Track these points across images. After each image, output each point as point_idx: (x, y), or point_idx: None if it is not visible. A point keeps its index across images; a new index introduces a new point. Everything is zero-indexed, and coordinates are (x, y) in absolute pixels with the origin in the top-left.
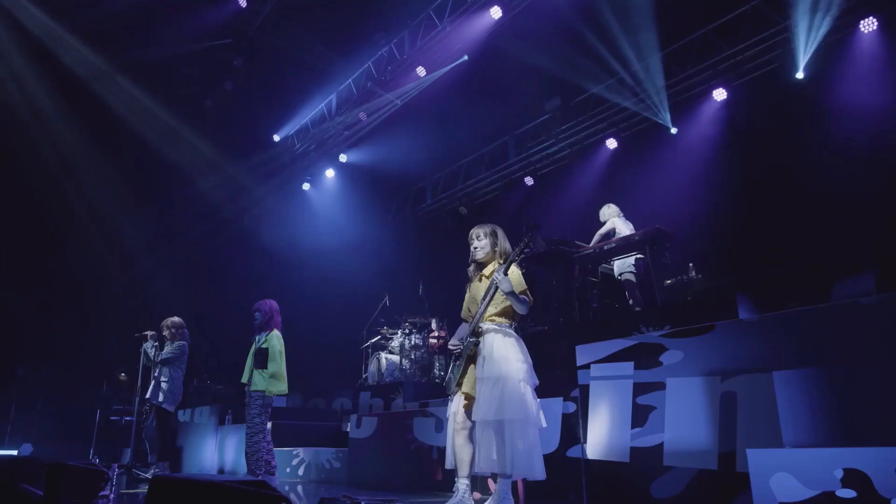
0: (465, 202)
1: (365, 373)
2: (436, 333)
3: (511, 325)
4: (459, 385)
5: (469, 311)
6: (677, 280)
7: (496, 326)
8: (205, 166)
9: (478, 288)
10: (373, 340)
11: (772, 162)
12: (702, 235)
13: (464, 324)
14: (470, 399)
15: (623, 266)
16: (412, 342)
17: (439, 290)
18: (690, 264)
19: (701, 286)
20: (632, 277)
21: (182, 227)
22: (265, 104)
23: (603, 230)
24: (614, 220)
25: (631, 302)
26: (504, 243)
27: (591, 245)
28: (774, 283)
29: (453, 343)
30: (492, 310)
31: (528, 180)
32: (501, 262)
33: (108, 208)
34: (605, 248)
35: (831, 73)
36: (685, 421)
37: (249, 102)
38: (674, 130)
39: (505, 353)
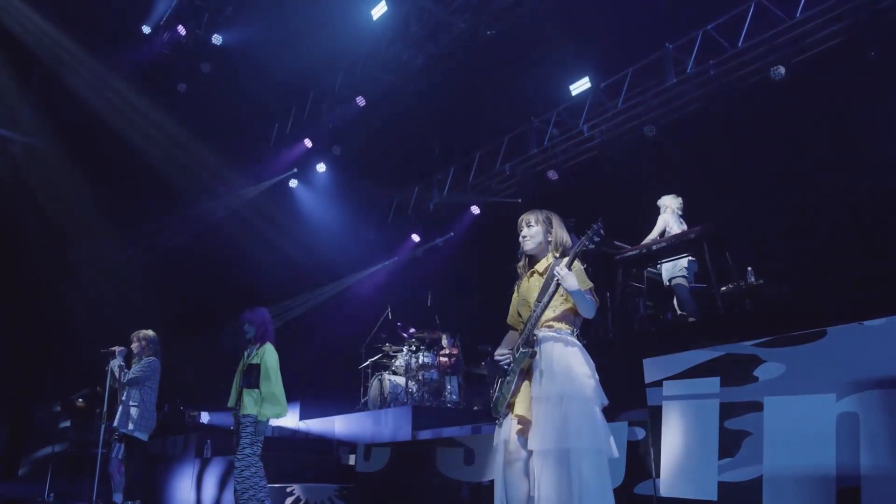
0: (477, 200)
1: (364, 396)
2: (447, 351)
3: (573, 332)
4: (511, 406)
5: (519, 315)
6: (735, 286)
7: (555, 334)
8: (180, 157)
9: (529, 287)
10: (373, 359)
11: (839, 151)
12: (758, 236)
13: (511, 332)
14: (525, 423)
15: (674, 269)
16: (420, 361)
17: (451, 301)
18: (749, 268)
19: (764, 292)
20: (684, 282)
21: (155, 226)
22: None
23: (655, 231)
24: (667, 218)
25: (680, 311)
26: (561, 232)
27: (639, 245)
28: (858, 287)
29: (500, 354)
30: (549, 313)
31: (552, 174)
32: (557, 254)
33: (61, 202)
34: (654, 248)
35: None
36: (790, 449)
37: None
38: (724, 116)
39: (568, 367)
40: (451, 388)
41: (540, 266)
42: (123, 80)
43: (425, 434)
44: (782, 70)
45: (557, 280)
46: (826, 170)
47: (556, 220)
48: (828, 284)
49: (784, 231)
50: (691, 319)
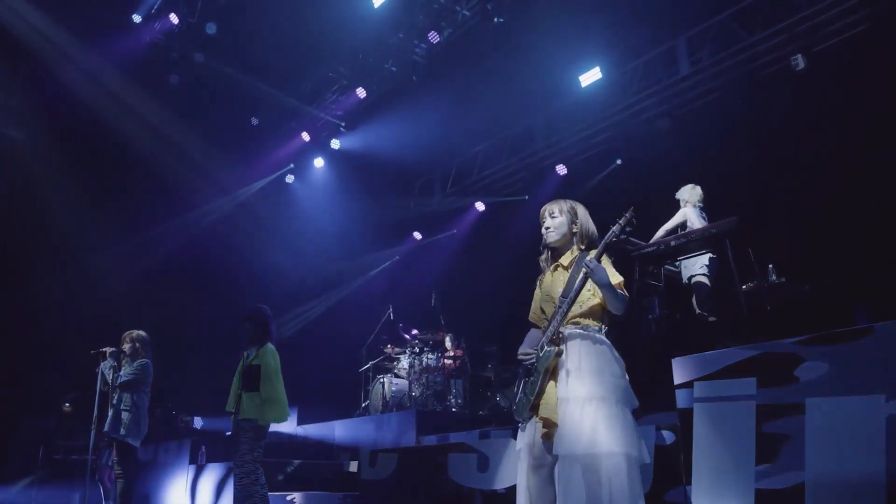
0: (482, 196)
1: (366, 400)
2: (451, 353)
3: (601, 330)
4: (535, 409)
5: (542, 312)
6: (756, 284)
7: (582, 331)
8: (172, 152)
9: (553, 282)
10: (374, 362)
11: (863, 144)
12: (777, 232)
13: (533, 329)
14: (550, 426)
15: (694, 267)
16: (423, 363)
17: (455, 301)
18: (770, 266)
19: (786, 291)
20: (705, 280)
21: (148, 224)
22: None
23: (671, 222)
24: (687, 211)
25: (699, 311)
26: (587, 223)
27: (653, 240)
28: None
29: (524, 353)
30: (576, 309)
31: (561, 169)
32: (582, 247)
33: (48, 199)
34: (673, 244)
35: None
36: (835, 454)
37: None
38: (741, 107)
39: (597, 366)
40: (456, 392)
41: (564, 259)
42: (113, 71)
43: (430, 439)
44: (801, 61)
45: (586, 273)
46: (850, 163)
47: (581, 211)
48: (870, 280)
49: (807, 227)
50: (711, 319)
